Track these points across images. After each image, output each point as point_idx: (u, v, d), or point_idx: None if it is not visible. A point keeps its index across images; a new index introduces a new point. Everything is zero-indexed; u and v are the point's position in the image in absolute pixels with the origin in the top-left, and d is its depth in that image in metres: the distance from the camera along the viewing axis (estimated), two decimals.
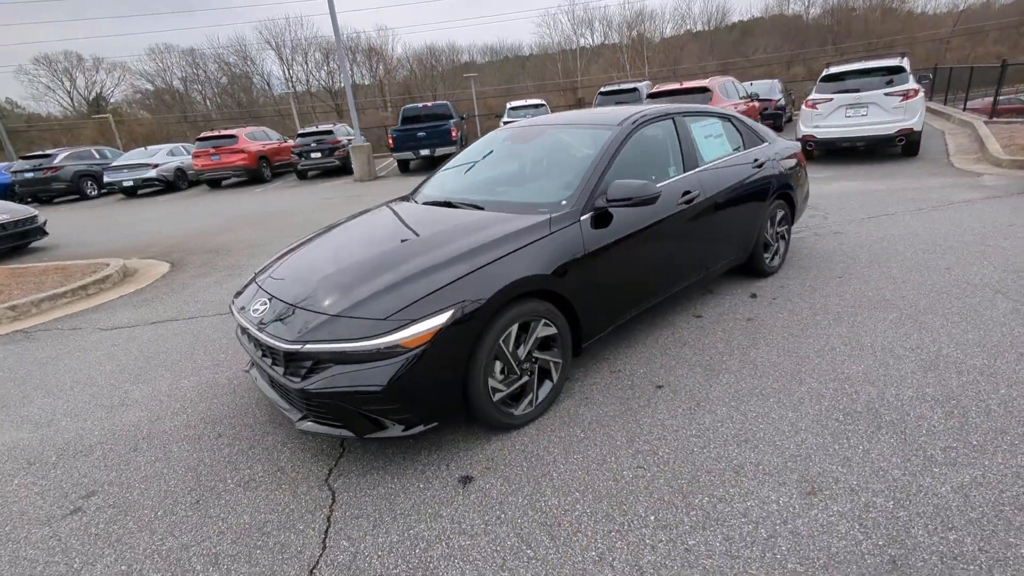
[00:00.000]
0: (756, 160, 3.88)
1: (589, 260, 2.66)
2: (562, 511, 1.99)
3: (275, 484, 2.29)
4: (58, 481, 2.45)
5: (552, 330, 2.55)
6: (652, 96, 9.76)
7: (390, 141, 13.68)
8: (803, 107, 8.54)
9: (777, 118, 12.82)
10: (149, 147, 17.97)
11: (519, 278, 2.34)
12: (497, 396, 2.38)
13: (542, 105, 15.08)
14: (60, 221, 12.07)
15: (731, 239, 3.70)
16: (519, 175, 3.45)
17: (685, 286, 3.42)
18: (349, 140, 15.24)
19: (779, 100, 13.54)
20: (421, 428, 2.21)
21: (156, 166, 15.62)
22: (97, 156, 17.41)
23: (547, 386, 2.63)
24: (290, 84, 47.39)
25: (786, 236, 4.32)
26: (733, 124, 3.95)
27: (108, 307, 5.24)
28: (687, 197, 3.22)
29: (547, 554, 1.80)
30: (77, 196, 16.55)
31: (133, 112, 56.45)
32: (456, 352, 2.18)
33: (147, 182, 15.57)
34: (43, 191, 16.14)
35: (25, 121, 53.09)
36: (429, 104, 14.72)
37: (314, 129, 15.62)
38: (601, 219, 2.78)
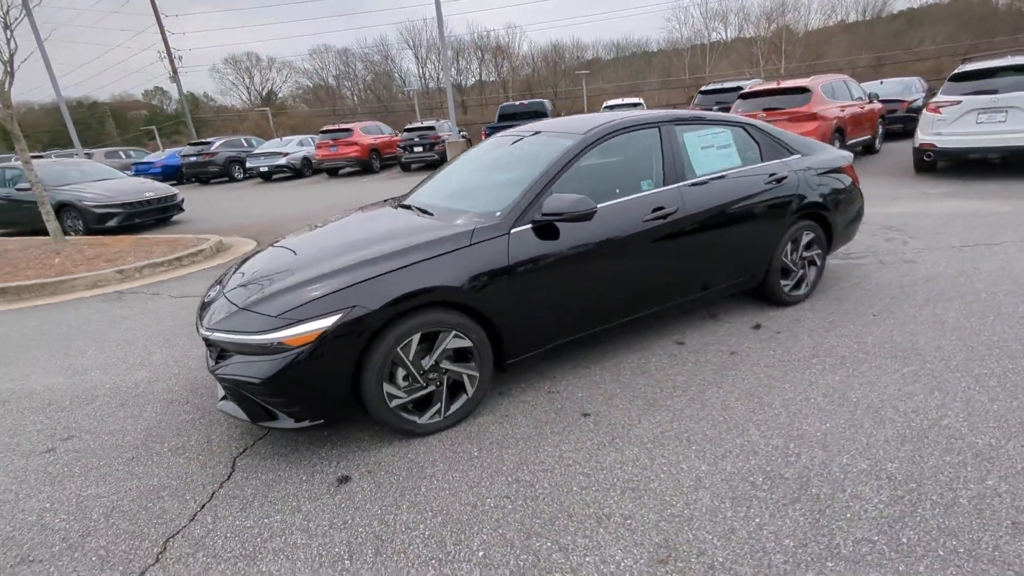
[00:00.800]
0: (773, 175, 3.41)
1: (517, 275, 2.56)
2: (404, 528, 1.97)
3: (196, 454, 2.55)
4: (56, 423, 2.95)
5: (466, 343, 2.50)
6: (743, 96, 8.92)
7: (483, 137, 14.05)
8: (924, 111, 7.24)
9: (909, 122, 10.94)
10: (284, 137, 20.33)
11: (418, 288, 2.33)
12: (395, 402, 2.40)
13: (639, 104, 14.46)
14: (204, 199, 14.19)
15: (730, 260, 3.31)
16: (485, 183, 3.39)
17: (662, 308, 3.14)
18: (450, 136, 15.93)
19: (915, 101, 11.54)
20: (307, 423, 2.31)
21: (286, 155, 17.65)
22: (245, 144, 20.12)
23: (462, 399, 2.59)
24: (422, 81, 50.60)
25: (818, 262, 3.75)
26: (749, 133, 3.50)
27: (190, 278, 6.09)
28: (660, 213, 2.94)
29: (360, 569, 1.80)
30: (227, 178, 19.27)
31: (295, 105, 64.19)
32: (342, 355, 2.24)
33: (278, 168, 17.66)
34: (202, 172, 19.07)
35: (214, 112, 63.04)
36: (526, 102, 14.85)
37: (418, 125, 16.56)
38: (545, 232, 2.66)
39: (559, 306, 2.75)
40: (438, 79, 49.10)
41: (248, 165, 18.12)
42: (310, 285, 2.33)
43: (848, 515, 1.85)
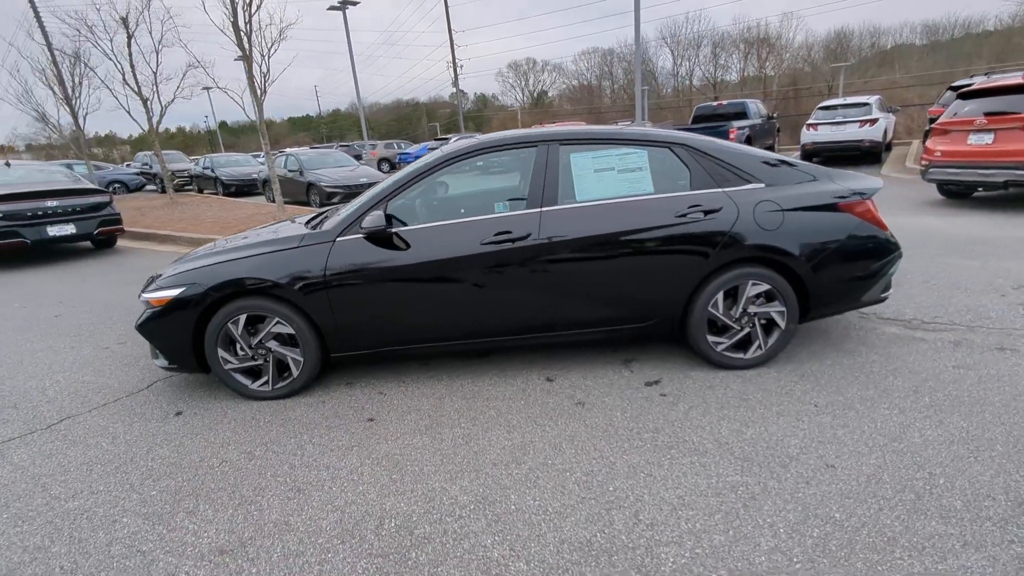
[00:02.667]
0: (695, 206, 2.78)
1: (333, 279, 2.83)
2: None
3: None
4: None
5: (289, 330, 2.91)
6: (962, 96, 6.51)
7: None
8: None
9: None
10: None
11: (236, 278, 2.83)
12: (228, 366, 2.97)
13: (864, 105, 11.44)
14: None
15: (616, 299, 2.89)
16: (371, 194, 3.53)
17: (523, 338, 2.96)
18: None
19: None
20: (174, 367, 3.06)
21: None
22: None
23: (288, 378, 3.01)
24: (675, 79, 48.83)
25: (780, 323, 2.87)
26: (678, 156, 2.89)
27: None
28: (504, 238, 2.78)
29: None
30: None
31: (560, 105, 69.61)
32: (182, 318, 2.90)
33: None
34: None
35: (496, 110, 73.11)
36: (724, 102, 13.37)
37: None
38: (381, 243, 2.85)
39: (381, 316, 2.91)
40: (690, 75, 46.66)
41: None
42: (186, 266, 3.05)
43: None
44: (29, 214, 7.34)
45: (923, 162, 6.92)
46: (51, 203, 7.53)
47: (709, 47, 44.07)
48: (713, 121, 13.06)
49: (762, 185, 2.86)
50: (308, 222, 3.34)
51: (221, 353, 2.94)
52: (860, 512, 1.87)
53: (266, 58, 8.81)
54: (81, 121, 14.44)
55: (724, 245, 2.77)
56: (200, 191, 18.24)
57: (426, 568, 1.76)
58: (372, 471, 2.31)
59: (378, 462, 2.37)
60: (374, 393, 3.03)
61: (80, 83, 14.39)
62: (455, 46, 37.53)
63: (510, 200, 3.02)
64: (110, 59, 12.28)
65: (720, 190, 2.84)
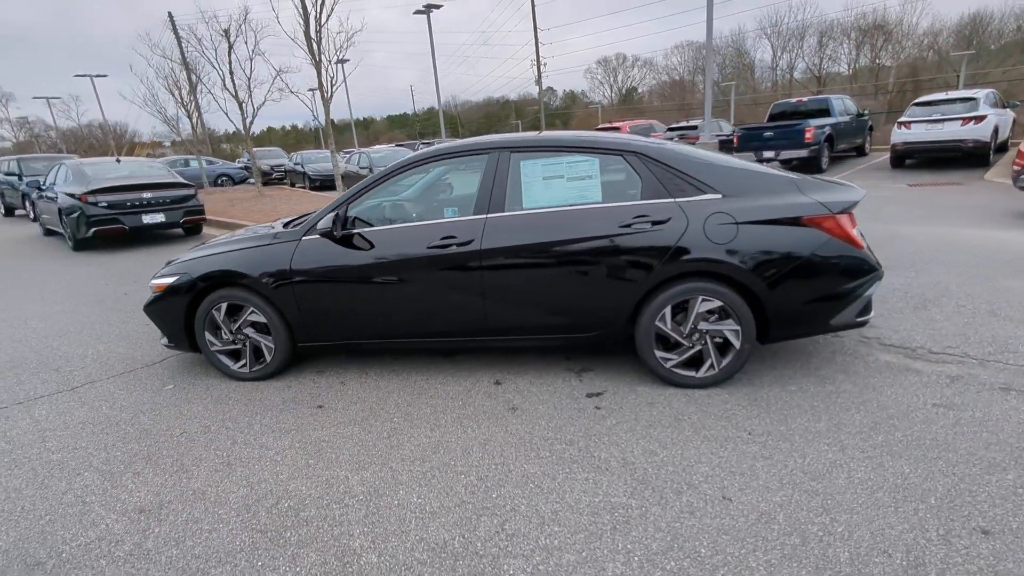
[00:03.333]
0: (642, 216, 2.69)
1: (296, 275, 3.07)
2: None
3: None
4: None
5: (262, 319, 3.20)
6: None
7: (734, 140, 12.45)
8: None
9: None
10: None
11: (218, 270, 3.15)
12: (214, 348, 3.31)
13: (969, 100, 9.92)
14: None
15: (558, 308, 2.87)
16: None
17: (472, 339, 3.02)
18: (716, 136, 14.66)
19: None
20: (172, 346, 3.46)
21: None
22: None
23: (263, 361, 3.30)
24: (775, 71, 45.43)
25: (734, 343, 2.70)
26: (631, 164, 2.78)
27: None
28: (448, 242, 2.86)
29: None
30: None
31: (649, 101, 67.69)
32: (176, 304, 3.27)
33: None
34: None
35: (582, 107, 72.58)
36: (804, 99, 12.32)
37: (683, 124, 15.74)
38: (343, 242, 3.05)
39: (340, 312, 3.10)
40: (790, 67, 43.18)
41: None
42: (186, 257, 3.43)
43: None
44: (128, 204, 8.47)
45: (1016, 167, 6.01)
46: (146, 195, 8.64)
47: (815, 37, 40.52)
48: (790, 119, 12.11)
49: (718, 196, 2.69)
50: (291, 221, 3.62)
51: (208, 336, 3.29)
52: (730, 551, 1.75)
53: (331, 64, 9.46)
54: (195, 121, 16.33)
55: (670, 258, 2.65)
56: (292, 185, 19.90)
57: (292, 548, 1.91)
58: (296, 454, 2.50)
59: (305, 446, 2.56)
60: (336, 383, 3.24)
61: (196, 88, 16.27)
62: (540, 44, 37.66)
63: (451, 205, 3.09)
64: (213, 67, 13.77)
65: (671, 200, 2.71)
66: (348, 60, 15.48)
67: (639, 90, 67.82)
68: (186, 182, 9.41)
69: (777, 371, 2.95)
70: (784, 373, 2.93)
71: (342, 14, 22.99)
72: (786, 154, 11.31)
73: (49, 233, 10.33)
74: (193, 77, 16.30)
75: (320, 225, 2.97)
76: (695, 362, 2.80)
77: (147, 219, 8.62)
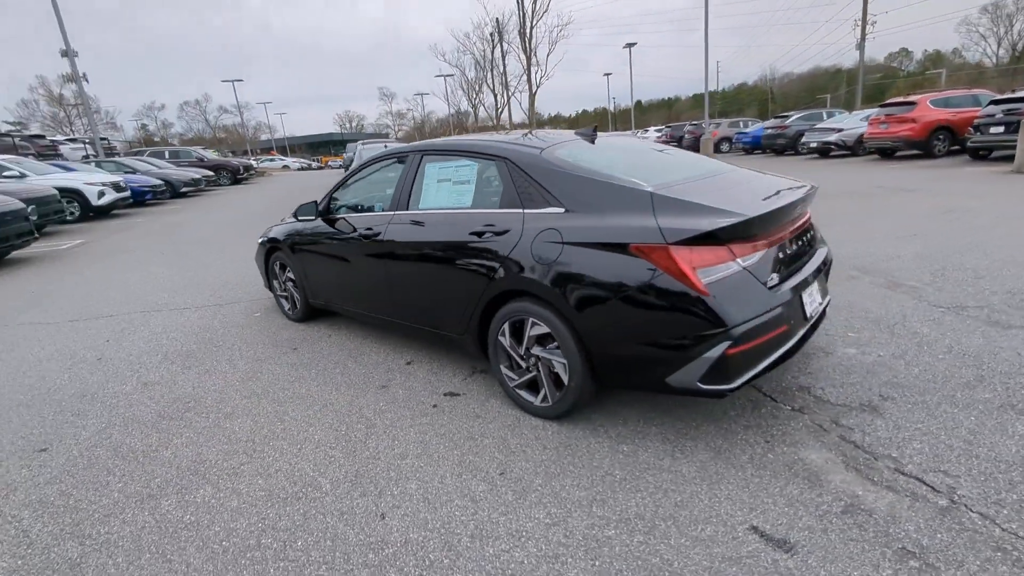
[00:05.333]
0: (489, 225, 2.60)
1: (298, 246, 3.97)
2: None
3: None
4: None
5: (292, 276, 4.22)
6: None
7: None
8: None
9: None
10: (854, 112, 17.92)
11: (273, 236, 4.28)
12: (275, 292, 4.54)
13: None
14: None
15: (428, 308, 3.05)
16: None
17: (402, 321, 3.34)
18: None
19: None
20: (266, 287, 4.83)
21: (840, 131, 15.97)
22: (825, 118, 19.10)
23: (292, 310, 4.35)
24: None
25: (563, 377, 2.41)
26: (499, 170, 2.63)
27: None
28: (369, 232, 3.28)
29: None
30: (793, 151, 19.33)
31: None
32: (262, 256, 4.56)
33: (827, 145, 16.34)
34: (772, 145, 20.01)
35: (956, 69, 55.81)
36: None
37: (1011, 95, 11.04)
38: (328, 223, 3.79)
39: (324, 279, 3.86)
40: None
41: (803, 140, 17.58)
42: (271, 226, 4.69)
43: None
44: None
45: None
46: None
47: None
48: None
49: (560, 210, 2.39)
50: None
51: (275, 282, 4.52)
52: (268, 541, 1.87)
53: (543, 64, 10.12)
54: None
55: (503, 271, 2.52)
56: None
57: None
58: (226, 377, 3.39)
59: (243, 380, 3.42)
60: (338, 338, 4.02)
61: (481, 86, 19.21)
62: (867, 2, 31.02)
63: (382, 201, 3.44)
64: (480, 65, 16.09)
65: (519, 211, 2.54)
66: (636, 44, 15.90)
67: None
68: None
69: (675, 414, 2.48)
70: (680, 415, 2.46)
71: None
72: None
73: None
74: (480, 75, 19.26)
75: (320, 206, 3.76)
76: (534, 387, 2.61)
77: None
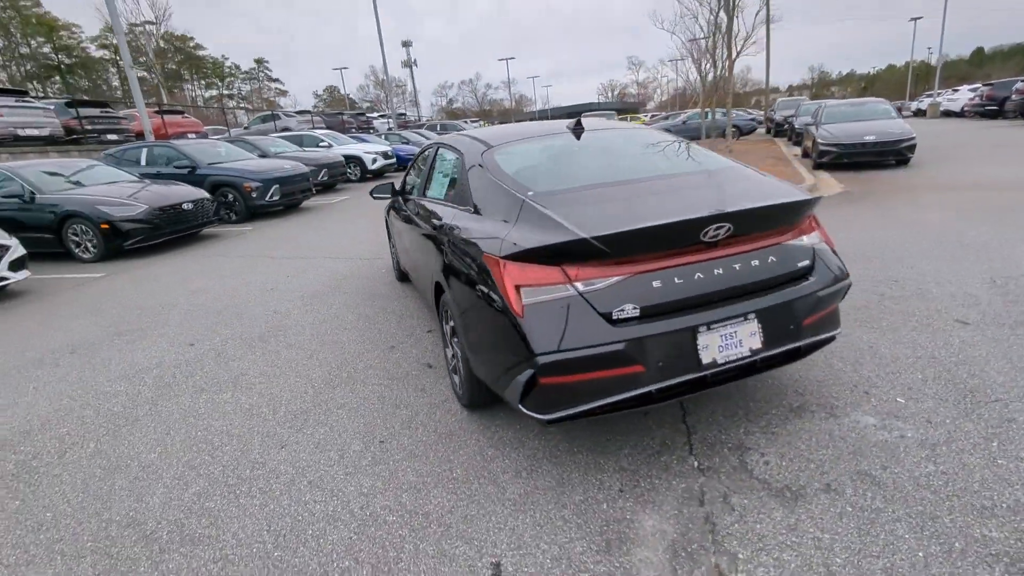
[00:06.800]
0: (438, 218, 2.77)
1: (391, 218, 4.66)
2: None
3: None
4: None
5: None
6: None
7: None
8: None
9: None
10: None
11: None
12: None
13: None
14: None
15: (424, 287, 3.35)
16: None
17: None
18: None
19: None
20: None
21: None
22: None
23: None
24: None
25: (459, 367, 2.50)
26: (456, 167, 2.70)
27: None
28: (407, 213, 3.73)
29: None
30: None
31: None
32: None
33: None
34: None
35: None
36: None
37: None
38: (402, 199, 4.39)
39: (402, 247, 4.48)
40: None
41: None
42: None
43: None
44: None
45: None
46: None
47: None
48: None
49: (469, 210, 2.42)
50: None
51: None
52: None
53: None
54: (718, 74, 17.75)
55: (438, 264, 2.68)
56: (788, 139, 18.77)
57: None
58: (336, 310, 4.32)
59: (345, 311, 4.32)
60: (378, 295, 4.72)
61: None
62: None
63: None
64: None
65: (451, 207, 2.65)
66: None
67: None
68: None
69: (542, 435, 2.41)
70: (538, 441, 2.37)
71: None
72: None
73: None
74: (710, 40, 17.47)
75: (377, 191, 4.39)
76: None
77: None
